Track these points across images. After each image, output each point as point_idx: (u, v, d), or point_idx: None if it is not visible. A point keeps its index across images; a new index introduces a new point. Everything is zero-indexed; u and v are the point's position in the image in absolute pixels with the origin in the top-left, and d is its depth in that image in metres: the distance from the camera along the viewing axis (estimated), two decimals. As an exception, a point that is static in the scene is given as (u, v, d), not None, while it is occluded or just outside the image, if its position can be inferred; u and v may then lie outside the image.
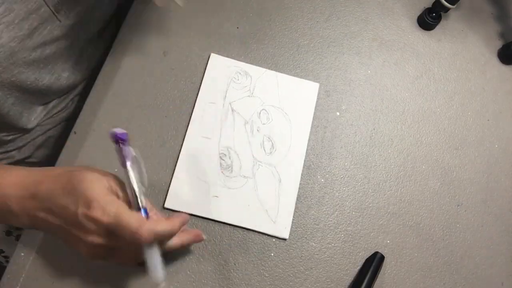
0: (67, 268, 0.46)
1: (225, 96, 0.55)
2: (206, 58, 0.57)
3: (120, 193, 0.40)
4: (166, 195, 0.49)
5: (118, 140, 0.39)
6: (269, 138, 0.54)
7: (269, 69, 0.57)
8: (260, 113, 0.55)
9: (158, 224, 0.38)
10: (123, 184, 0.40)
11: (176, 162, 0.51)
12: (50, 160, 0.62)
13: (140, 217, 0.38)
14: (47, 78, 0.52)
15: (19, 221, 0.41)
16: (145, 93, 0.54)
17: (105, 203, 0.37)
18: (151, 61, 0.56)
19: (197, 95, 0.55)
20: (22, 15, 0.44)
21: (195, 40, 0.58)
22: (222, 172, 0.51)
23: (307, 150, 0.54)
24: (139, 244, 0.38)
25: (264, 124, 0.54)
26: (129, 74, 0.55)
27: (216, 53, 0.57)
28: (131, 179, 0.39)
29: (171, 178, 0.50)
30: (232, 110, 0.54)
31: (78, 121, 0.53)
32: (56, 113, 0.60)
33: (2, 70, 0.45)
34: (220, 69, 0.56)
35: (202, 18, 0.59)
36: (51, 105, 0.59)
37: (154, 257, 0.39)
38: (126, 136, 0.39)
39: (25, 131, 0.57)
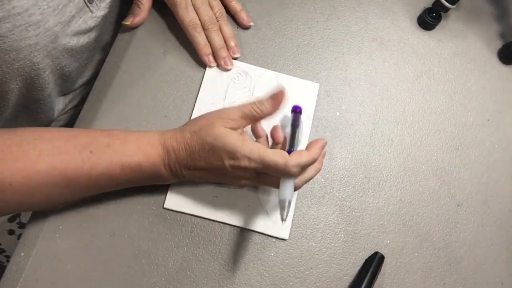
0: (67, 268, 0.46)
1: (225, 97, 0.55)
2: (206, 58, 0.57)
3: (241, 116, 0.44)
4: (166, 195, 0.49)
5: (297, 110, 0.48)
6: (270, 137, 0.53)
7: (269, 69, 0.57)
8: None
9: (302, 156, 0.42)
10: (245, 118, 0.45)
11: None
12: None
13: (283, 153, 0.42)
14: (75, 67, 0.55)
15: (168, 181, 0.47)
16: (145, 93, 0.54)
17: (248, 151, 0.42)
18: (151, 61, 0.56)
19: (197, 95, 0.55)
20: (65, 2, 0.46)
21: (195, 40, 0.58)
22: None
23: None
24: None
25: (264, 124, 0.54)
26: (129, 74, 0.55)
27: None
28: (298, 125, 0.48)
29: None
30: None
31: (78, 121, 0.53)
32: (70, 109, 0.61)
33: (47, 54, 0.47)
34: (220, 70, 0.56)
35: (202, 18, 0.59)
36: (68, 98, 0.61)
37: (289, 188, 0.43)
38: (301, 109, 0.48)
39: (48, 122, 0.59)
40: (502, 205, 0.55)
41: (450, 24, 0.64)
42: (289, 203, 0.42)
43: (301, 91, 0.56)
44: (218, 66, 0.56)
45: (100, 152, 0.42)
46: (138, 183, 0.47)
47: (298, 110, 0.48)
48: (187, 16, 0.55)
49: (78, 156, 0.41)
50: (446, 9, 0.59)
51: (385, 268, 0.50)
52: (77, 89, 0.61)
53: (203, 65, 0.56)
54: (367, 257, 0.50)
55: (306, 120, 0.55)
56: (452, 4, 0.58)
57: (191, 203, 0.49)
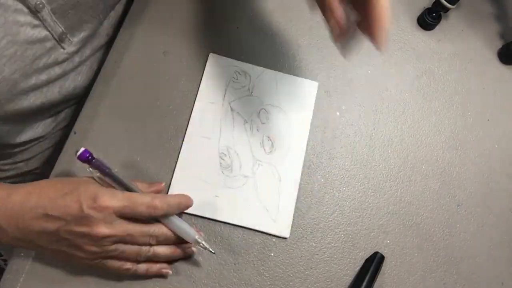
0: (67, 269, 0.46)
1: (224, 96, 0.55)
2: (205, 58, 0.57)
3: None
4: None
5: (88, 159, 0.41)
6: (268, 137, 0.54)
7: (268, 68, 0.57)
8: (259, 113, 0.55)
9: (168, 196, 0.41)
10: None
11: (176, 162, 0.51)
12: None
13: (150, 193, 0.40)
14: (54, 95, 0.52)
15: (6, 236, 0.40)
16: (145, 93, 0.54)
17: (111, 192, 0.39)
18: (151, 61, 0.56)
19: (197, 95, 0.55)
20: (25, 46, 0.43)
21: (195, 40, 0.58)
22: (222, 171, 0.51)
23: (307, 150, 0.54)
24: (152, 224, 0.41)
25: (263, 123, 0.54)
26: (129, 74, 0.55)
27: (215, 53, 0.57)
28: (119, 180, 0.42)
29: (171, 179, 0.50)
30: (232, 109, 0.54)
31: (78, 121, 0.53)
32: (66, 126, 0.60)
33: (5, 102, 0.44)
34: (219, 69, 0.56)
35: (202, 18, 0.59)
36: (61, 116, 0.59)
37: (176, 223, 0.42)
38: (88, 153, 0.40)
39: (32, 141, 0.57)
40: (502, 205, 0.55)
41: (450, 24, 0.64)
42: (200, 236, 0.43)
43: (300, 90, 0.57)
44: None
45: None
46: None
47: (84, 157, 0.41)
48: None
49: None
50: (446, 9, 0.59)
51: (385, 268, 0.50)
52: (71, 106, 0.59)
53: (203, 65, 0.56)
54: (367, 257, 0.50)
55: (305, 119, 0.55)
56: (452, 4, 0.58)
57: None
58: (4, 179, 0.58)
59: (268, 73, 0.57)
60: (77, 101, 0.60)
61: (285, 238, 0.50)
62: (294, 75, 0.57)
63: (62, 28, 0.47)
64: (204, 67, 0.56)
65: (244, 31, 0.59)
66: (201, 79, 0.55)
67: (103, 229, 0.38)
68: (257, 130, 0.54)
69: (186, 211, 0.49)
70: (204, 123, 0.53)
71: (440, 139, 0.57)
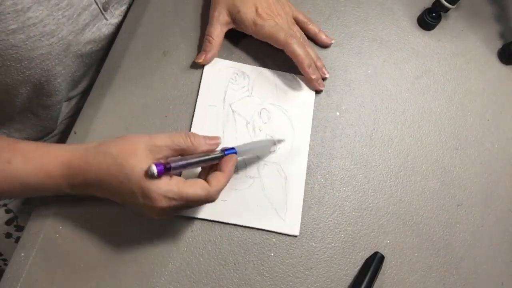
0: (67, 269, 0.46)
1: (224, 98, 0.55)
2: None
3: (169, 146, 0.41)
4: None
5: (166, 170, 0.39)
6: (271, 137, 0.54)
7: (268, 68, 0.57)
8: (260, 113, 0.55)
9: (220, 181, 0.41)
10: (173, 148, 0.41)
11: None
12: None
13: (202, 183, 0.40)
14: (83, 71, 0.56)
15: (75, 194, 0.44)
16: (145, 93, 0.54)
17: (164, 190, 0.38)
18: (151, 61, 0.56)
19: (197, 96, 0.55)
20: (79, 10, 0.47)
21: (195, 40, 0.58)
22: None
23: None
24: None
25: (265, 123, 0.54)
26: (129, 74, 0.55)
27: (223, 59, 0.57)
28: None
29: None
30: (233, 111, 0.54)
31: (78, 121, 0.53)
32: (72, 115, 0.61)
33: (58, 62, 0.47)
34: (217, 71, 0.56)
35: (202, 18, 0.59)
36: (72, 102, 0.61)
37: (253, 149, 0.47)
38: (160, 166, 0.38)
39: (53, 127, 0.60)
40: (502, 205, 0.55)
41: (450, 24, 0.64)
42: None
43: (299, 87, 0.57)
44: (315, 79, 0.55)
45: (1, 169, 0.41)
46: (43, 194, 0.45)
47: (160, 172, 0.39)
48: (281, 31, 0.52)
49: None
50: (446, 9, 0.59)
51: (385, 268, 0.50)
52: (80, 94, 0.61)
53: (203, 65, 0.56)
54: (367, 257, 0.50)
55: (306, 116, 0.55)
56: (452, 4, 0.58)
57: (199, 207, 0.49)
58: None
59: (267, 73, 0.57)
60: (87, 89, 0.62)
61: (295, 236, 0.50)
62: (292, 73, 0.57)
63: None
64: (203, 70, 0.56)
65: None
66: (199, 83, 0.55)
67: (162, 216, 0.42)
68: (260, 130, 0.54)
69: (196, 216, 0.49)
70: (206, 127, 0.53)
71: (440, 139, 0.57)
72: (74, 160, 0.41)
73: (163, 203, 0.39)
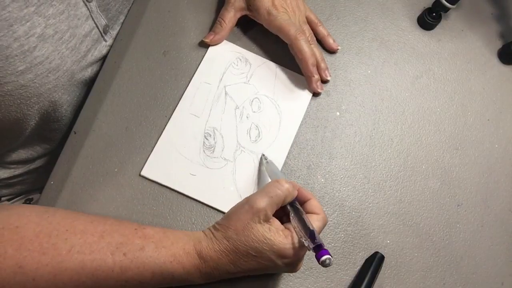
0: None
1: (221, 79, 0.55)
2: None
3: (272, 205, 0.42)
4: (145, 164, 0.50)
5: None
6: (257, 126, 0.54)
7: (272, 61, 0.57)
8: (252, 101, 0.55)
9: (320, 222, 0.43)
10: (272, 205, 0.42)
11: (161, 133, 0.52)
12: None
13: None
14: (87, 92, 0.56)
15: (200, 283, 0.44)
16: (145, 93, 0.54)
17: (296, 249, 0.41)
18: (151, 61, 0.56)
19: (195, 72, 0.55)
20: (81, 39, 0.48)
21: (195, 40, 0.58)
22: (203, 151, 0.52)
23: (307, 149, 0.54)
24: None
25: (254, 112, 0.54)
26: (129, 74, 0.55)
27: (231, 42, 0.57)
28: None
29: (153, 148, 0.51)
30: (226, 93, 0.55)
31: (78, 121, 0.53)
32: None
33: (64, 92, 0.48)
34: (221, 51, 0.57)
35: (202, 18, 0.59)
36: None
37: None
38: (326, 251, 0.39)
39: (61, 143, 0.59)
40: (502, 205, 0.55)
41: (450, 24, 0.64)
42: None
43: (297, 86, 0.57)
44: (315, 78, 0.55)
45: (133, 256, 0.39)
46: (168, 285, 0.43)
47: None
48: (292, 25, 0.53)
49: (110, 258, 0.39)
50: (446, 9, 0.59)
51: (385, 268, 0.50)
52: None
53: (208, 45, 0.57)
54: (367, 257, 0.50)
55: (296, 116, 0.55)
56: (452, 4, 0.58)
57: (168, 176, 0.50)
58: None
59: (269, 65, 0.57)
60: None
61: None
62: (294, 71, 0.57)
63: (106, 21, 0.52)
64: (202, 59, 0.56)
65: (244, 31, 0.59)
66: (202, 58, 0.56)
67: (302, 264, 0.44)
68: (247, 117, 0.54)
69: (160, 182, 0.50)
70: (195, 101, 0.54)
71: (440, 139, 0.57)
72: (203, 250, 0.41)
73: (298, 257, 0.42)
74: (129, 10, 0.58)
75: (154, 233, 0.42)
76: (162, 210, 0.49)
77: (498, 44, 0.64)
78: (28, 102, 0.44)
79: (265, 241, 0.40)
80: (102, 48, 0.53)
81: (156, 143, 0.51)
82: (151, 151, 0.51)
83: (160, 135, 0.52)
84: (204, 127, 0.53)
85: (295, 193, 0.44)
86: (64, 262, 0.37)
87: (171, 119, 0.53)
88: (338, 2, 0.63)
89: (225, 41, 0.57)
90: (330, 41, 0.59)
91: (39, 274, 0.36)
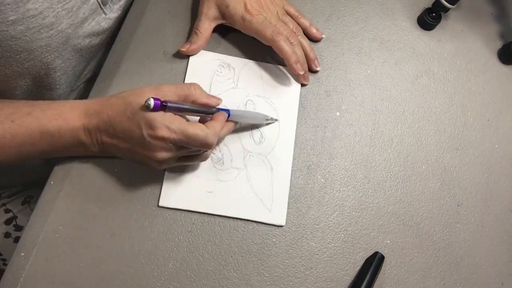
0: (67, 268, 0.46)
1: (210, 90, 0.55)
2: (206, 58, 0.57)
3: (173, 91, 0.45)
4: (160, 194, 0.50)
5: (161, 106, 0.42)
6: (257, 128, 0.54)
7: (254, 60, 0.57)
8: (246, 104, 0.55)
9: (214, 126, 0.44)
10: (178, 95, 0.45)
11: None
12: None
13: (202, 126, 0.43)
14: (83, 66, 0.57)
15: (89, 150, 0.46)
16: (145, 93, 0.54)
17: (168, 122, 0.41)
18: (151, 61, 0.56)
19: None
20: (79, 4, 0.47)
21: (195, 40, 0.58)
22: (213, 165, 0.51)
23: (307, 149, 0.54)
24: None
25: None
26: (129, 74, 0.55)
27: (208, 51, 0.57)
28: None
29: (164, 176, 0.50)
30: None
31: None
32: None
33: (57, 55, 0.48)
34: (202, 63, 0.56)
35: (202, 18, 0.59)
36: (74, 93, 0.61)
37: (246, 116, 0.49)
38: (158, 100, 0.42)
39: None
40: (502, 205, 0.55)
41: (450, 24, 0.64)
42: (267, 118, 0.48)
43: (285, 79, 0.57)
44: (302, 75, 0.56)
45: (20, 121, 0.43)
46: (63, 152, 0.47)
47: (157, 106, 0.42)
48: (268, 27, 0.53)
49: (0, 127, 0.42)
50: (446, 9, 0.59)
51: (385, 268, 0.50)
52: (78, 87, 0.62)
53: (186, 55, 0.56)
54: (367, 257, 0.50)
55: (292, 107, 0.56)
56: (452, 4, 0.58)
57: (186, 200, 0.50)
58: None
59: (252, 64, 0.57)
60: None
61: (281, 226, 0.50)
62: (278, 64, 0.57)
63: None
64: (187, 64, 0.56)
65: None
66: (184, 76, 0.55)
67: (164, 154, 0.43)
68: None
69: (181, 207, 0.49)
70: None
71: (440, 139, 0.57)
72: (90, 104, 0.44)
73: (165, 132, 0.41)
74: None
75: (44, 101, 0.45)
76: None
77: (498, 44, 0.64)
78: (17, 57, 0.44)
79: (143, 103, 0.41)
80: (101, 20, 0.53)
81: (164, 170, 0.50)
82: (162, 179, 0.50)
83: None
84: None
85: (202, 101, 0.47)
86: None
87: None
88: (338, 2, 0.63)
89: (203, 51, 0.57)
90: (313, 31, 0.59)
91: None
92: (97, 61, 0.61)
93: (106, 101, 0.44)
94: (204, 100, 0.47)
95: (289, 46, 0.53)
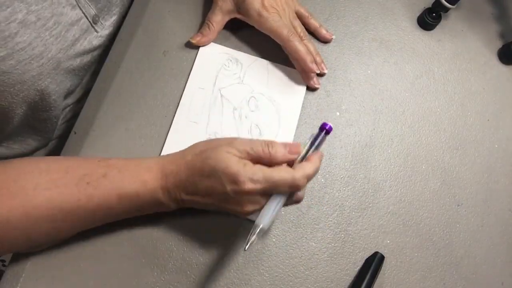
0: (67, 269, 0.46)
1: (215, 82, 0.55)
2: (206, 58, 0.57)
3: (248, 151, 0.41)
4: None
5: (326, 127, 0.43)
6: (257, 125, 0.54)
7: (263, 58, 0.57)
8: (249, 101, 0.55)
9: (306, 167, 0.41)
10: (251, 155, 0.41)
11: (163, 144, 0.51)
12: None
13: (286, 168, 0.41)
14: (77, 82, 0.56)
15: (165, 207, 0.44)
16: (145, 93, 0.54)
17: (250, 173, 0.39)
18: (151, 61, 0.56)
19: (188, 79, 0.55)
20: (67, 27, 0.47)
21: (195, 40, 0.58)
22: None
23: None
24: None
25: (252, 111, 0.54)
26: (129, 74, 0.55)
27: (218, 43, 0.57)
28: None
29: None
30: (221, 96, 0.55)
31: (78, 121, 0.53)
32: (69, 119, 0.61)
33: (51, 81, 0.47)
34: (211, 55, 0.56)
35: (203, 18, 0.59)
36: (67, 109, 0.61)
37: (270, 215, 0.41)
38: (330, 129, 0.43)
39: (52, 135, 0.60)
40: (502, 205, 0.55)
41: (450, 24, 0.64)
42: (262, 232, 0.40)
43: (291, 80, 0.57)
44: (313, 78, 0.56)
45: (97, 183, 0.41)
46: (139, 212, 0.45)
47: (327, 128, 0.44)
48: (285, 27, 0.53)
49: (75, 189, 0.40)
50: (446, 9, 0.59)
51: (385, 268, 0.50)
52: (75, 102, 0.61)
53: (196, 46, 0.56)
54: (367, 257, 0.50)
55: (294, 109, 0.56)
56: (452, 4, 0.58)
57: None
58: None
59: (260, 62, 0.57)
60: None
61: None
62: (285, 65, 0.57)
63: (94, 10, 0.51)
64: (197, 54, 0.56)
65: (244, 31, 0.59)
66: (193, 64, 0.56)
67: (252, 206, 0.41)
68: (246, 117, 0.54)
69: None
70: (192, 108, 0.54)
71: (440, 139, 0.57)
72: (165, 164, 0.43)
73: (250, 185, 0.39)
74: (125, 6, 0.58)
75: (118, 161, 0.44)
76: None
77: (498, 44, 0.64)
78: (11, 89, 0.43)
79: (222, 160, 0.40)
80: (93, 39, 0.52)
81: (160, 154, 0.50)
82: None
83: (162, 148, 0.51)
84: (205, 132, 0.53)
85: (278, 161, 0.42)
86: (32, 201, 0.39)
87: (170, 129, 0.52)
88: (338, 2, 0.63)
89: (213, 44, 0.57)
90: (323, 32, 0.59)
91: (12, 215, 0.39)
92: (90, 75, 0.60)
93: (181, 159, 0.43)
94: (280, 159, 0.42)
95: (304, 47, 0.54)
